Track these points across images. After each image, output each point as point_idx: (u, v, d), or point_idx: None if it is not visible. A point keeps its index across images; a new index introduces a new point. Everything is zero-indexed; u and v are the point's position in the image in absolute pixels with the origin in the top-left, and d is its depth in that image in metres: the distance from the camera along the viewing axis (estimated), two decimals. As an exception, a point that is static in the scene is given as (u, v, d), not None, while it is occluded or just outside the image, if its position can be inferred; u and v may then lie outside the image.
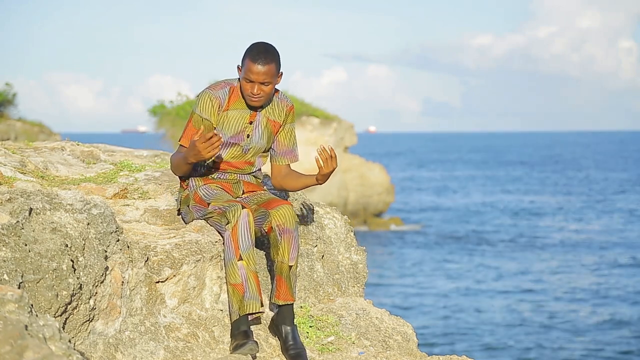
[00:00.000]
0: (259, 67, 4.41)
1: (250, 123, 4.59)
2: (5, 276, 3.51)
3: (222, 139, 4.37)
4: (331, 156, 4.46)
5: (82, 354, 3.55)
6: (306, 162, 32.08)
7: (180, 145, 4.59)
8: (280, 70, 4.50)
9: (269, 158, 4.76)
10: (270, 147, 4.71)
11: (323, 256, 5.10)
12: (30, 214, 3.80)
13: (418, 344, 4.94)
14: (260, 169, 4.76)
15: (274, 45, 4.50)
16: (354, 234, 5.39)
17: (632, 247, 29.20)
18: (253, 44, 4.48)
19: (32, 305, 3.14)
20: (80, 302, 3.80)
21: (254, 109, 4.59)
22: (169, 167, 4.76)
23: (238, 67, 4.53)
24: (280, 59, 4.48)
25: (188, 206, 4.67)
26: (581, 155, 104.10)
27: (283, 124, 4.67)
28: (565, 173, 70.49)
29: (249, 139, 4.60)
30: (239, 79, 4.57)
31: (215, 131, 4.53)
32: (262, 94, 4.49)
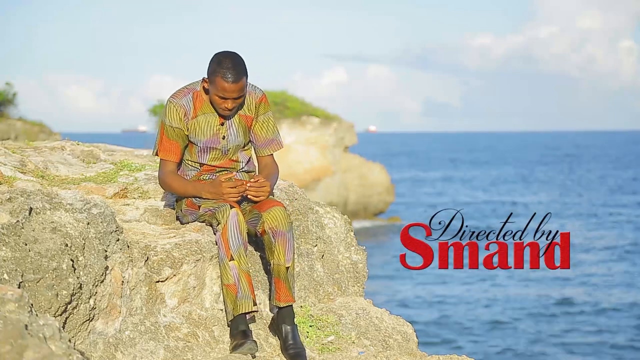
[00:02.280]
0: (232, 86, 4.39)
1: (222, 124, 4.57)
2: (5, 276, 3.51)
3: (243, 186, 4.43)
4: (262, 186, 4.46)
5: (82, 353, 3.55)
6: (306, 162, 32.10)
7: (162, 159, 4.57)
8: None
9: (252, 151, 4.75)
10: (249, 141, 4.69)
11: (323, 256, 5.10)
12: (30, 213, 3.80)
13: (418, 344, 4.94)
14: (250, 161, 4.73)
15: (237, 53, 4.45)
16: (354, 234, 5.39)
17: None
18: (220, 59, 4.40)
19: (32, 305, 3.15)
20: (80, 302, 3.80)
21: None
22: (158, 179, 4.73)
23: (205, 80, 4.48)
24: (246, 65, 4.45)
25: (181, 210, 4.68)
26: (583, 155, 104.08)
27: (255, 116, 4.63)
28: (567, 172, 70.47)
29: (225, 140, 4.58)
30: (202, 79, 4.52)
31: (189, 138, 4.54)
32: (235, 106, 4.51)
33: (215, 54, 4.45)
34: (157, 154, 4.60)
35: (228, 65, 4.37)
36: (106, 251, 3.99)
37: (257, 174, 4.76)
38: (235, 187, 4.42)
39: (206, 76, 4.48)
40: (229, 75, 4.37)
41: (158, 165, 5.64)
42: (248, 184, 4.47)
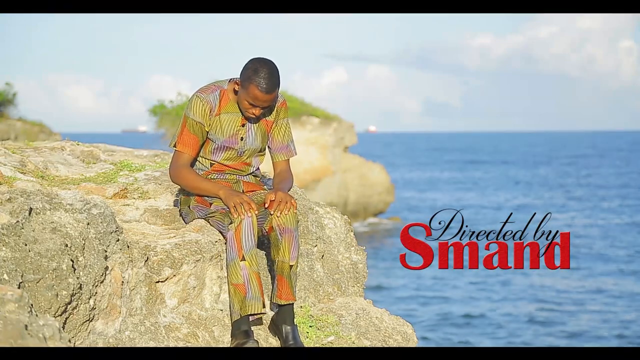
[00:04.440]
0: (265, 96, 4.40)
1: (243, 126, 4.59)
2: (5, 276, 3.51)
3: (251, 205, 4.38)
4: (280, 201, 4.42)
5: (82, 353, 3.54)
6: (306, 162, 32.10)
7: (177, 150, 4.57)
8: None
9: (269, 154, 4.77)
10: (267, 145, 4.71)
11: (323, 256, 5.10)
12: (30, 213, 3.80)
13: (418, 344, 4.94)
14: (258, 168, 4.77)
15: (273, 62, 4.44)
16: (354, 234, 5.39)
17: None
18: (257, 67, 4.38)
19: (32, 305, 3.15)
20: (80, 302, 3.80)
21: None
22: (168, 172, 4.71)
23: (236, 82, 4.49)
24: (280, 75, 4.45)
25: (189, 207, 4.67)
26: (585, 155, 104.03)
27: (275, 120, 4.66)
28: (568, 172, 70.47)
29: (242, 141, 4.59)
30: (230, 80, 4.54)
31: (208, 135, 4.55)
32: (262, 113, 4.53)
33: (252, 61, 4.42)
34: (174, 146, 4.59)
35: (264, 75, 4.37)
36: (106, 251, 4.00)
37: (263, 179, 4.81)
38: (247, 206, 4.37)
39: (238, 78, 4.48)
40: (264, 86, 4.37)
41: (158, 164, 5.67)
42: (270, 209, 4.42)
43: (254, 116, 4.52)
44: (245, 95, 4.44)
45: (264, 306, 4.33)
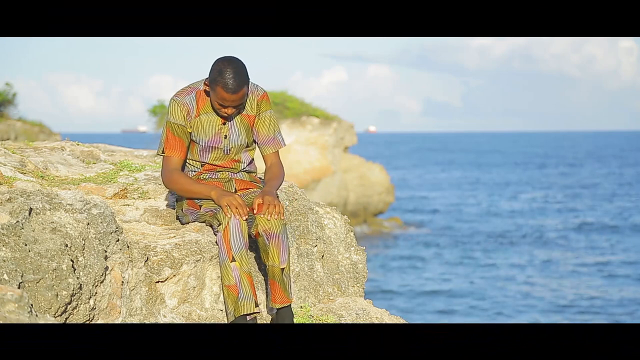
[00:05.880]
0: (232, 96, 4.38)
1: (224, 124, 4.57)
2: (5, 276, 3.51)
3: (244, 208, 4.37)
4: (269, 205, 4.40)
5: (82, 353, 3.54)
6: (305, 162, 32.11)
7: (167, 157, 4.54)
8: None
9: (257, 149, 4.75)
10: (253, 140, 4.69)
11: (323, 256, 5.10)
12: (30, 214, 3.80)
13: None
14: (252, 162, 4.73)
15: (239, 59, 4.41)
16: (354, 234, 5.39)
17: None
18: (221, 67, 4.36)
19: (32, 305, 3.15)
20: (80, 302, 3.80)
21: None
22: (161, 178, 4.67)
23: (205, 83, 4.47)
24: (247, 72, 4.43)
25: (182, 210, 4.68)
26: (586, 155, 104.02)
27: (257, 114, 4.63)
28: (568, 172, 70.48)
29: (226, 139, 4.58)
30: (204, 81, 4.53)
31: (192, 137, 4.54)
32: (235, 112, 4.51)
33: (217, 61, 4.41)
34: (163, 152, 4.57)
35: (229, 75, 4.35)
36: (106, 251, 4.00)
37: (258, 175, 4.78)
38: (240, 208, 4.38)
39: (207, 80, 4.47)
40: (230, 86, 4.35)
41: (160, 164, 5.67)
42: (262, 214, 4.41)
43: (227, 115, 4.51)
44: (214, 97, 4.42)
45: (256, 305, 4.32)
